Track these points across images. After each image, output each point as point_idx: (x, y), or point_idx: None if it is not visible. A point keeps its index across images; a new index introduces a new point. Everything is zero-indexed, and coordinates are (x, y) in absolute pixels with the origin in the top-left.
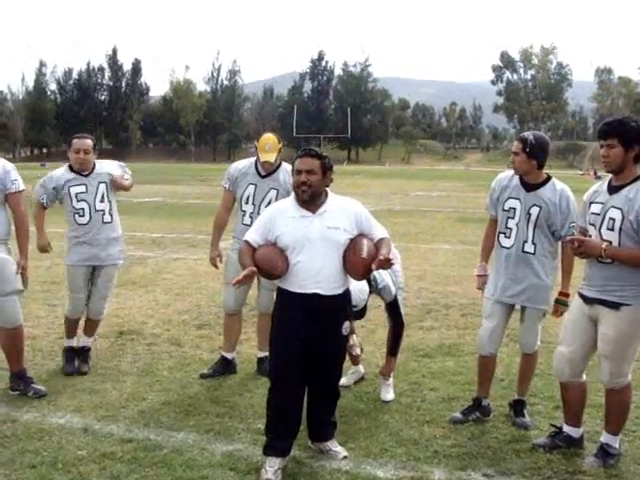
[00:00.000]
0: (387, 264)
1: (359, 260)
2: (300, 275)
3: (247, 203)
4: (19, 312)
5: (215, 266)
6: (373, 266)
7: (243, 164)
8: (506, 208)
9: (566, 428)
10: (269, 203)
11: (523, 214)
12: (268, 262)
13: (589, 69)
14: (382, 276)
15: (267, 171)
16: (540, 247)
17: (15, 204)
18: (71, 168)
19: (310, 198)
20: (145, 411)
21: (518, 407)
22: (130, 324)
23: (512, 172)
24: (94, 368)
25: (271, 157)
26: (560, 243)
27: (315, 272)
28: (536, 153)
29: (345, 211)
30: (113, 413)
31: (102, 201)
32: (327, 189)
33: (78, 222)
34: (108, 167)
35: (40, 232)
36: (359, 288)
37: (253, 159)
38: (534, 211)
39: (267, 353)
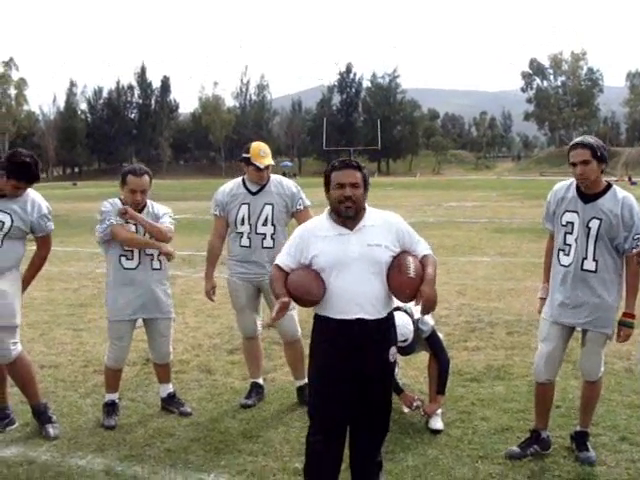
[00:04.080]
0: (430, 305)
1: (406, 280)
2: (341, 299)
3: (243, 224)
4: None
5: (211, 299)
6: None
7: (230, 186)
8: (563, 223)
9: None
10: (266, 220)
11: (582, 228)
12: (301, 287)
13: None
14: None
15: (263, 181)
16: (602, 264)
17: (42, 243)
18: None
19: (355, 214)
20: (172, 449)
21: (581, 440)
22: None
23: (568, 182)
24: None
25: (270, 160)
26: (624, 258)
27: (357, 295)
28: (605, 156)
29: (386, 226)
30: (137, 452)
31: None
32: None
33: (125, 266)
34: (159, 209)
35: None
36: (406, 320)
37: (239, 179)
38: (594, 224)
39: (306, 380)
